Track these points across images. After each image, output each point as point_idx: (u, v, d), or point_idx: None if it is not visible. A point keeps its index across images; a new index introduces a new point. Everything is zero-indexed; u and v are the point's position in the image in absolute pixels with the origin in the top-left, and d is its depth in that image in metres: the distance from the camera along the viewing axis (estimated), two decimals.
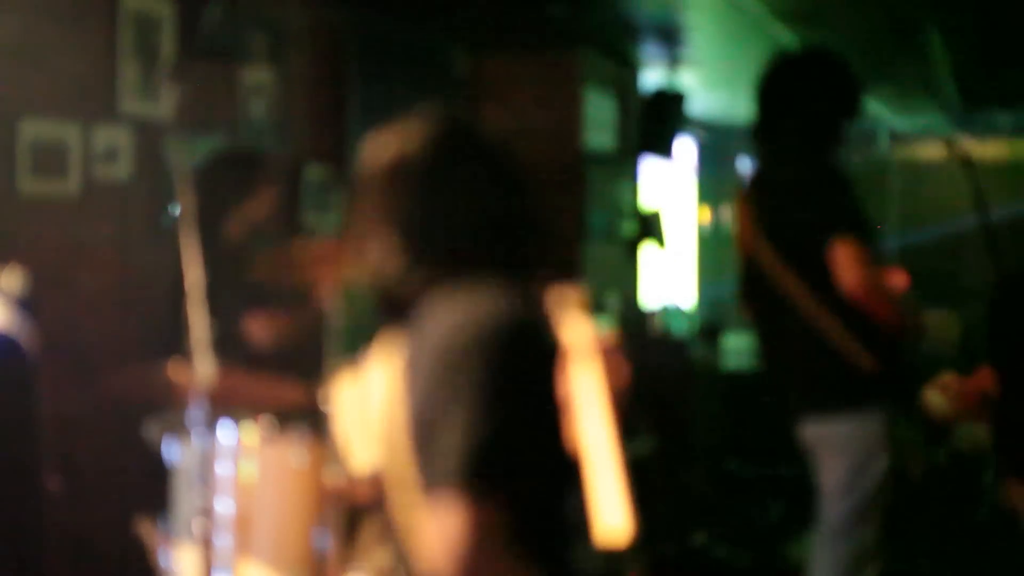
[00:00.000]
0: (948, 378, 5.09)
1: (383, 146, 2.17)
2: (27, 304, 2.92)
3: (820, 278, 4.12)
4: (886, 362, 4.13)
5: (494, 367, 1.86)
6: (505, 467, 1.82)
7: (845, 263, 4.04)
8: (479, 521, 1.78)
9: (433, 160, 2.11)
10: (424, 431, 1.90)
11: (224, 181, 4.88)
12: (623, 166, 8.93)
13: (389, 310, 2.08)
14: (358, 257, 2.12)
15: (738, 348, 11.22)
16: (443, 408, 1.85)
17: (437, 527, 1.78)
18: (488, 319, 1.92)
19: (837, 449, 4.19)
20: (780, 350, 4.39)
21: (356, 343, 5.09)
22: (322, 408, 4.31)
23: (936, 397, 4.54)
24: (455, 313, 1.95)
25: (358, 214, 2.15)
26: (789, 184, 4.25)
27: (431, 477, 1.84)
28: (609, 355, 2.16)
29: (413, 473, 1.94)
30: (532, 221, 2.21)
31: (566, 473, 1.94)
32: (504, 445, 1.82)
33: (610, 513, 2.01)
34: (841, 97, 4.36)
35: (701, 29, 8.06)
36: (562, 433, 1.95)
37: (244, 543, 4.02)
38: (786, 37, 7.97)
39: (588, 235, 8.37)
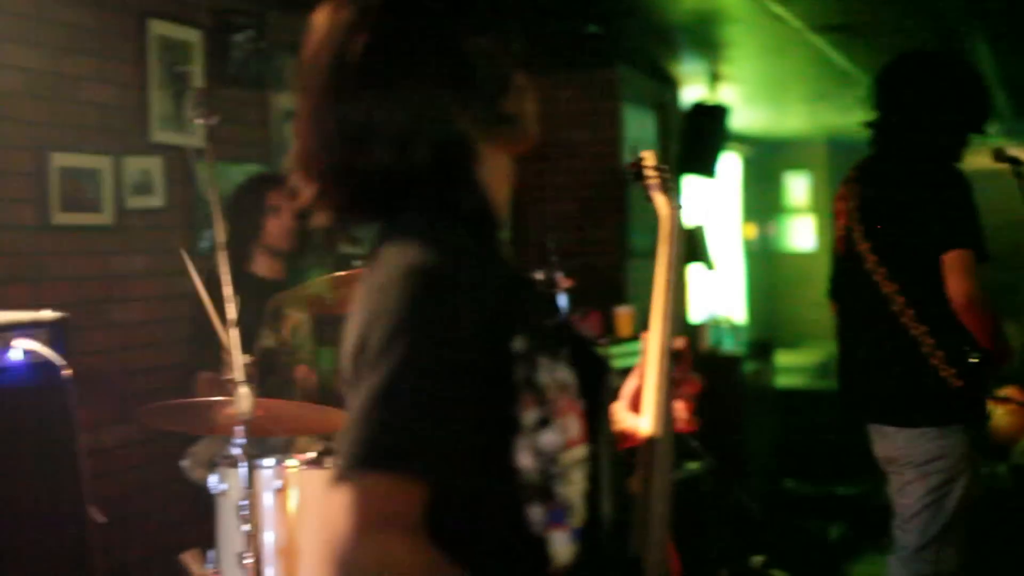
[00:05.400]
0: (1010, 391, 4.95)
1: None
2: (63, 334, 2.87)
3: (921, 283, 4.03)
4: (971, 378, 4.02)
5: (417, 328, 1.58)
6: (422, 445, 1.55)
7: (960, 272, 3.95)
8: (377, 506, 1.52)
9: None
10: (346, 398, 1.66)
11: (256, 205, 4.84)
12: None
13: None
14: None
15: (790, 365, 11.11)
16: (357, 369, 1.60)
17: (336, 506, 1.53)
18: (418, 269, 1.62)
19: (920, 466, 4.07)
20: (864, 356, 4.26)
21: None
22: None
23: (998, 411, 4.41)
24: (388, 263, 1.66)
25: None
26: (909, 183, 4.14)
27: (340, 453, 1.58)
28: (682, 358, 2.02)
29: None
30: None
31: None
32: (426, 420, 1.55)
33: (645, 418, 1.89)
34: (977, 106, 4.26)
35: (741, 44, 7.98)
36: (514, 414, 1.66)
37: (291, 574, 3.96)
38: (827, 49, 7.87)
39: (631, 254, 8.30)
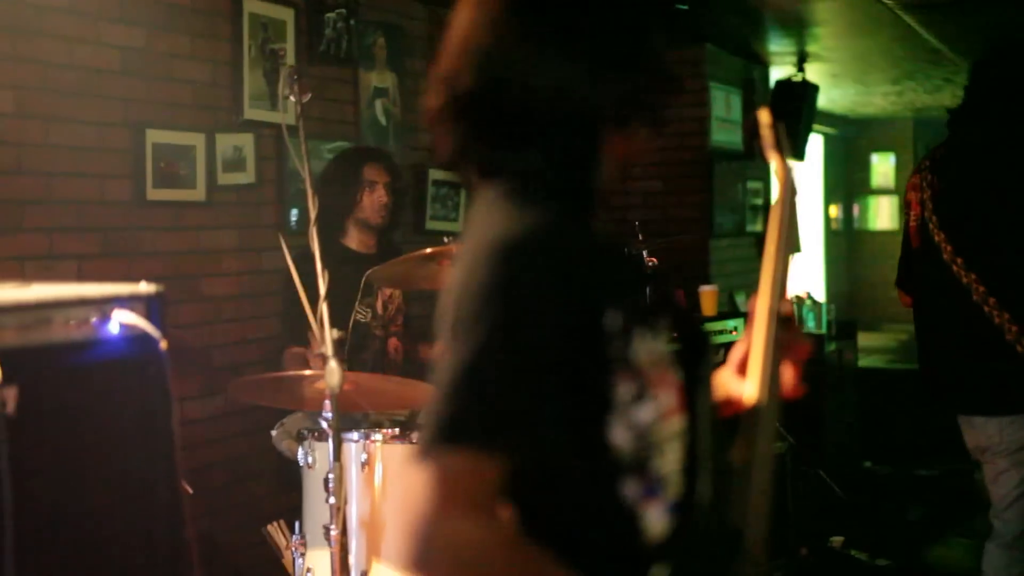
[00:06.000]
0: None
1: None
2: (160, 307, 2.92)
3: (1001, 271, 4.02)
4: None
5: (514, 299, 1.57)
6: (505, 422, 1.54)
7: None
8: (458, 482, 1.53)
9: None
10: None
11: (352, 178, 4.88)
12: (751, 163, 8.82)
13: None
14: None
15: (871, 345, 11.02)
16: (446, 343, 1.60)
17: (419, 482, 1.53)
18: (524, 238, 1.61)
19: (1013, 454, 4.05)
20: (948, 347, 4.24)
21: None
22: None
23: None
24: (484, 229, 1.66)
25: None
26: (985, 171, 4.12)
27: (423, 427, 1.58)
28: (791, 323, 2.00)
29: None
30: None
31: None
32: (510, 396, 1.55)
33: (749, 383, 1.87)
34: None
35: (830, 22, 7.92)
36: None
37: (375, 546, 4.01)
38: (917, 27, 7.80)
39: (716, 233, 8.28)
